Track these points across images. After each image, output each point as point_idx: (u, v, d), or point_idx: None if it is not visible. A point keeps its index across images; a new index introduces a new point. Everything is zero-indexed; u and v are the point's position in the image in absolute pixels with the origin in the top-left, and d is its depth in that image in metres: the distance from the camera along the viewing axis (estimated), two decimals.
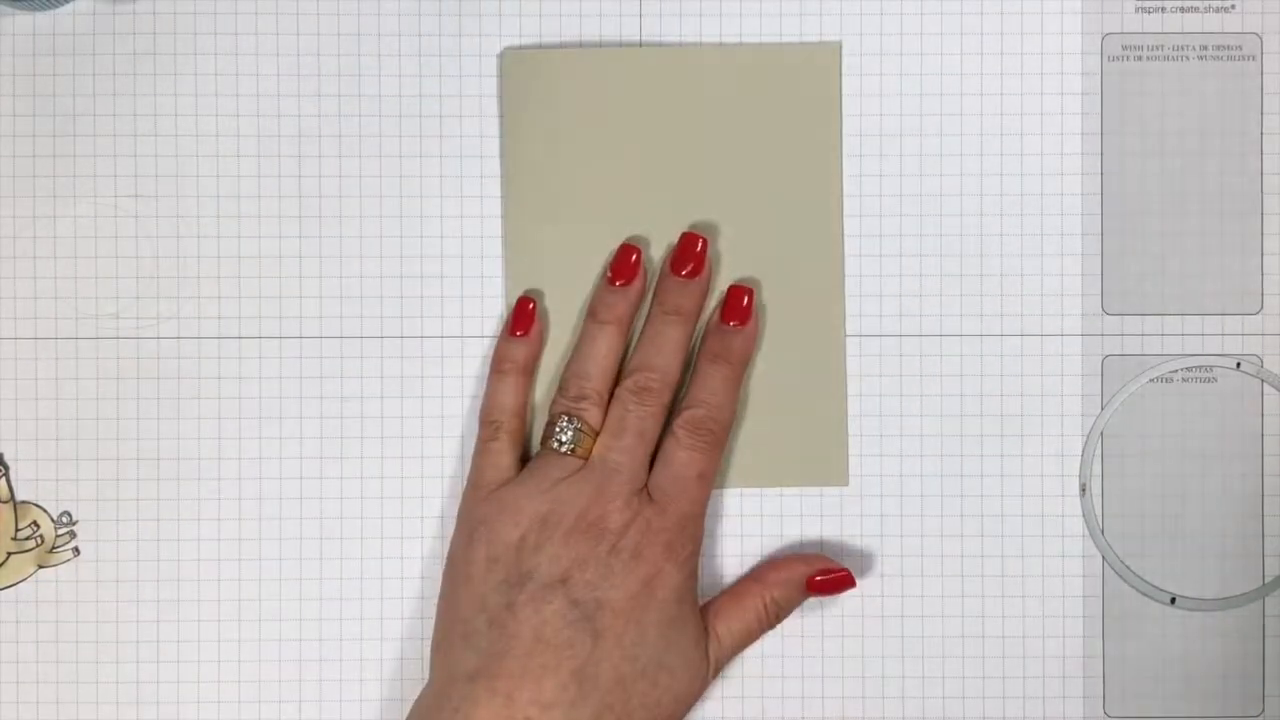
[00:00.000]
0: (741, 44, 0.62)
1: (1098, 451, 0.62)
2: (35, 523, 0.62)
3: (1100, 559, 0.62)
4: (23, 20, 0.63)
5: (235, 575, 0.63)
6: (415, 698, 0.59)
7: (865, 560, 0.62)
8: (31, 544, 0.62)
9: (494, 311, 0.63)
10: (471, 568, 0.58)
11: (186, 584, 0.63)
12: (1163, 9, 0.62)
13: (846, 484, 0.62)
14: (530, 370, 0.62)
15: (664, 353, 0.60)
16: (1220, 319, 0.62)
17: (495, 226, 0.63)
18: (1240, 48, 0.62)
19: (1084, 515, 0.62)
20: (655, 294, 0.62)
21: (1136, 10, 0.63)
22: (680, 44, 0.62)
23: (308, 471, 0.63)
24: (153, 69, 0.63)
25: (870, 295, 0.62)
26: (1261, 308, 0.62)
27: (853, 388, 0.62)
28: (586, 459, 0.59)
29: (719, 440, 0.60)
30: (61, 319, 0.63)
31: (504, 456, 0.60)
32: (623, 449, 0.59)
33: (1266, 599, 0.62)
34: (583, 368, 0.61)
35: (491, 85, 0.63)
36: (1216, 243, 0.62)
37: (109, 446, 0.63)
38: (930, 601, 0.62)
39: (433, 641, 0.59)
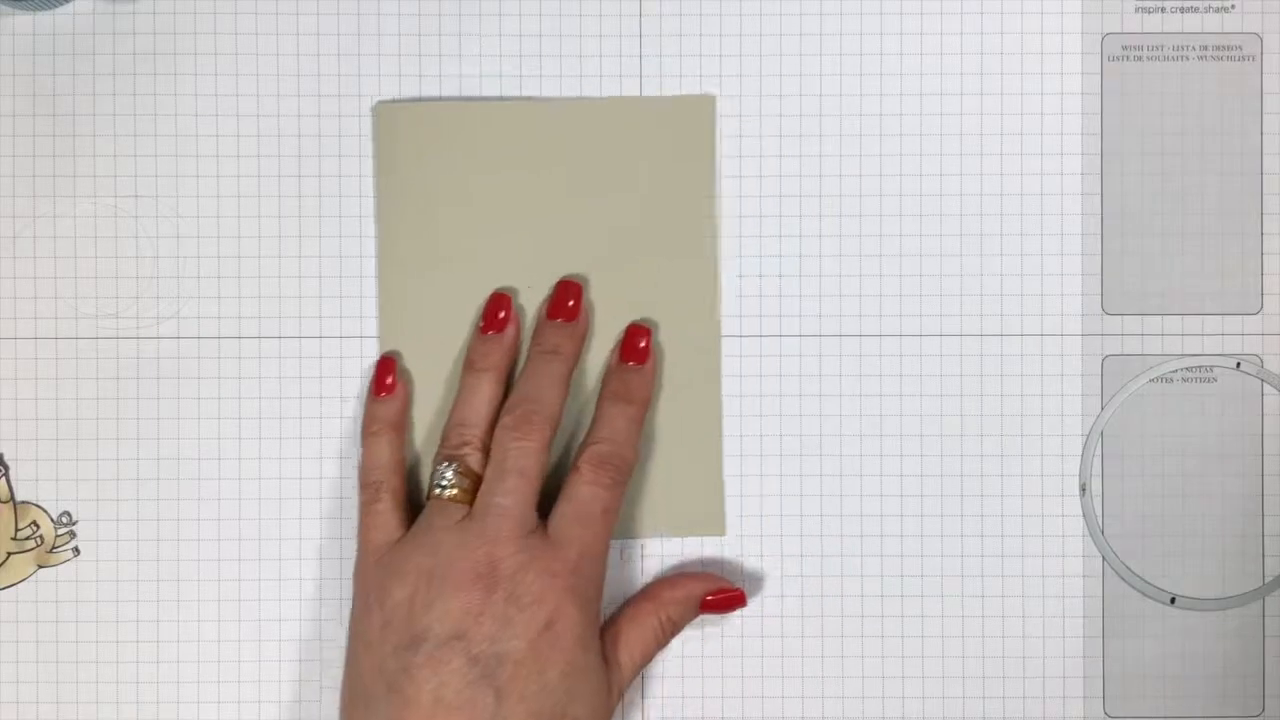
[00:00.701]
0: (613, 97, 0.62)
1: (1098, 451, 0.62)
2: (35, 523, 0.62)
3: (1100, 559, 0.62)
4: (23, 20, 0.63)
5: (235, 575, 0.63)
6: None
7: (866, 561, 0.62)
8: (31, 544, 0.62)
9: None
10: (369, 634, 0.57)
11: (186, 584, 0.63)
12: (1163, 9, 0.62)
13: (723, 534, 0.62)
14: (401, 426, 0.61)
15: (542, 386, 0.60)
16: (1220, 319, 0.62)
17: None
18: (1240, 48, 0.62)
19: (1084, 515, 0.62)
20: (533, 338, 0.62)
21: (1136, 10, 0.63)
22: (555, 98, 0.62)
23: (308, 472, 0.63)
24: (153, 69, 0.63)
25: (870, 295, 0.62)
26: (1261, 308, 0.62)
27: (850, 387, 0.62)
28: (471, 505, 0.58)
29: (622, 479, 0.59)
30: (61, 319, 0.63)
31: (387, 516, 0.60)
32: (506, 490, 0.58)
33: (1266, 599, 0.62)
34: (461, 416, 0.60)
35: None
36: (1216, 243, 0.62)
37: (109, 446, 0.63)
38: (930, 601, 0.62)
39: (340, 712, 0.58)
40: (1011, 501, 0.62)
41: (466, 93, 0.63)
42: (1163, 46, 0.62)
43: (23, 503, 0.63)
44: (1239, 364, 0.62)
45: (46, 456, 0.63)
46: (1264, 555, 0.62)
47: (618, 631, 0.60)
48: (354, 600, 0.59)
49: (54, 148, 0.63)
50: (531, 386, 0.60)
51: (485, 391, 0.60)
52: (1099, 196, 0.62)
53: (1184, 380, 0.62)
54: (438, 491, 0.59)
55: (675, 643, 0.62)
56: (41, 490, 0.63)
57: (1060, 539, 0.62)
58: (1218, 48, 0.62)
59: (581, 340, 0.62)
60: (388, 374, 0.62)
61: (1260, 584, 0.62)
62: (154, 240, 0.63)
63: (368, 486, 0.60)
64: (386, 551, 0.58)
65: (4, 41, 0.63)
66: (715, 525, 0.62)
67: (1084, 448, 0.62)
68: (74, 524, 0.62)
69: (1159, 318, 0.62)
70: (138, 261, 0.63)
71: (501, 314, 0.61)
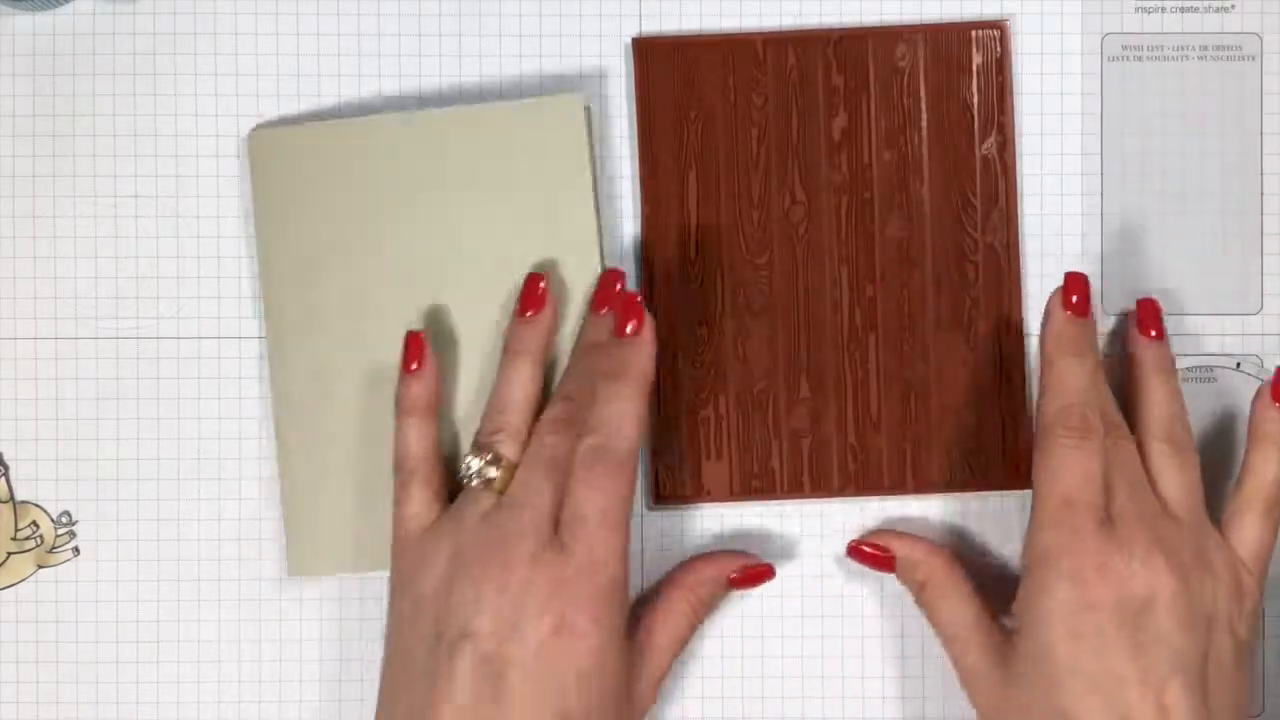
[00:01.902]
0: (486, 105, 0.61)
1: None
2: (35, 523, 0.62)
3: None
4: (23, 20, 0.63)
5: (235, 575, 0.63)
6: None
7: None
8: (31, 544, 0.62)
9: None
10: (400, 620, 0.57)
11: (186, 584, 0.63)
12: (1163, 9, 0.62)
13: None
14: (430, 408, 0.59)
15: (586, 383, 0.58)
16: (1220, 319, 0.62)
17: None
18: (1240, 48, 0.62)
19: None
20: (582, 330, 0.60)
21: (1136, 10, 0.63)
22: (426, 110, 0.61)
23: None
24: (153, 69, 0.63)
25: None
26: (1261, 308, 0.62)
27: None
28: (503, 492, 0.57)
29: (621, 470, 0.56)
30: (61, 319, 0.63)
31: (419, 504, 0.58)
32: (530, 484, 0.56)
33: (1266, 599, 0.62)
34: (497, 402, 0.58)
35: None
36: (1216, 243, 0.62)
37: (109, 446, 0.63)
38: None
39: (379, 690, 0.57)
40: (1013, 501, 0.62)
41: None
42: (1163, 46, 0.62)
43: (23, 503, 0.63)
44: (1239, 364, 0.62)
45: (46, 456, 0.63)
46: None
47: (649, 621, 0.59)
48: (390, 582, 0.58)
49: (54, 148, 0.63)
50: (573, 382, 0.58)
51: (522, 376, 0.58)
52: (1099, 197, 0.62)
53: (1184, 380, 0.62)
54: (465, 482, 0.57)
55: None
56: (41, 490, 0.63)
57: None
58: (1218, 48, 0.62)
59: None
60: (416, 350, 0.59)
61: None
62: (154, 240, 0.63)
63: (400, 472, 0.59)
64: (419, 537, 0.57)
65: (4, 41, 0.63)
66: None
67: None
68: (74, 524, 0.62)
69: None
70: (138, 261, 0.63)
71: (539, 294, 0.59)
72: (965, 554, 0.62)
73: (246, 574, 0.63)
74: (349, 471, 0.61)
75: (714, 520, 0.62)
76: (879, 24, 0.62)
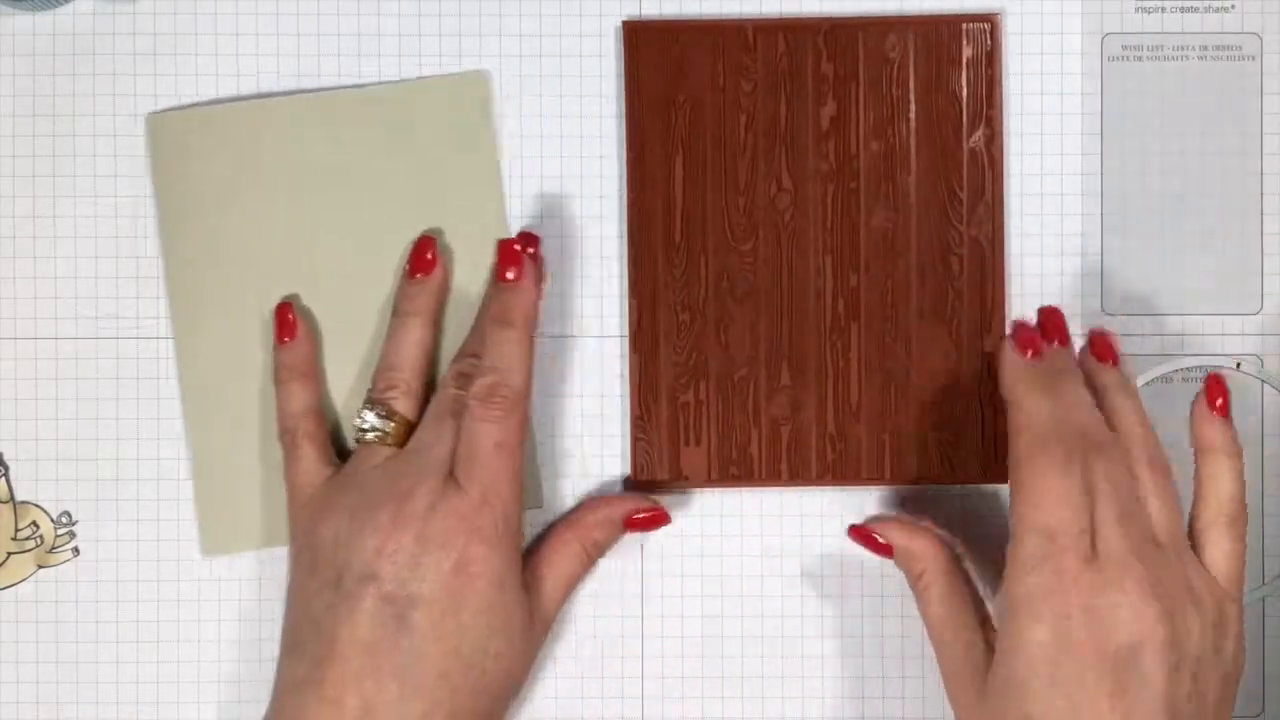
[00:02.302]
0: (386, 83, 0.62)
1: None
2: (35, 523, 0.62)
3: None
4: (23, 20, 0.63)
5: (234, 575, 0.63)
6: None
7: (866, 561, 0.62)
8: (31, 544, 0.62)
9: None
10: (300, 576, 0.58)
11: (186, 584, 0.63)
12: (1163, 9, 0.62)
13: (540, 506, 0.62)
14: (309, 371, 0.61)
15: (502, 353, 0.59)
16: (1220, 319, 0.62)
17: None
18: (1240, 48, 0.62)
19: None
20: (484, 300, 0.61)
21: (1136, 10, 0.62)
22: (331, 89, 0.62)
23: None
24: (153, 69, 0.63)
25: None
26: (1261, 308, 0.62)
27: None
28: (400, 448, 0.59)
29: (515, 406, 0.58)
30: (61, 319, 0.63)
31: (309, 462, 0.60)
32: (432, 430, 0.58)
33: (1266, 599, 0.62)
34: (388, 360, 0.60)
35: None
36: (1216, 243, 0.62)
37: (109, 446, 0.63)
38: None
39: (277, 660, 0.58)
40: (991, 493, 0.62)
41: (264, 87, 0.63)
42: (1163, 46, 0.62)
43: (22, 503, 0.63)
44: (1239, 364, 0.62)
45: (46, 456, 0.63)
46: (1264, 555, 0.62)
47: (541, 559, 0.60)
48: (290, 543, 0.59)
49: (54, 148, 0.63)
50: (478, 342, 0.60)
51: (412, 335, 0.60)
52: (1099, 196, 0.62)
53: (1184, 380, 0.62)
54: (359, 435, 0.59)
55: (673, 642, 0.62)
56: (41, 490, 0.63)
57: None
58: (1218, 48, 0.62)
59: (537, 295, 0.60)
60: (285, 323, 0.61)
61: (1260, 584, 0.62)
62: (154, 240, 0.63)
63: (284, 435, 0.60)
64: (313, 494, 0.59)
65: (4, 41, 0.63)
66: (533, 499, 0.62)
67: None
68: (74, 524, 0.62)
69: (1159, 318, 0.62)
70: (137, 261, 0.63)
71: (429, 255, 0.61)
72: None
73: (245, 573, 0.63)
74: (257, 451, 0.62)
75: (693, 504, 0.62)
76: (870, 14, 0.62)
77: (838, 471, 0.62)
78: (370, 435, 0.59)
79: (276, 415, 0.61)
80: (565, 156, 0.62)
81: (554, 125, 0.63)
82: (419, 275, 0.61)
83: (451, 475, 0.57)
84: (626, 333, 0.62)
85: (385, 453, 0.58)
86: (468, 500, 0.56)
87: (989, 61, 0.62)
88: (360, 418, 0.59)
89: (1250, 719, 0.62)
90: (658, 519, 0.61)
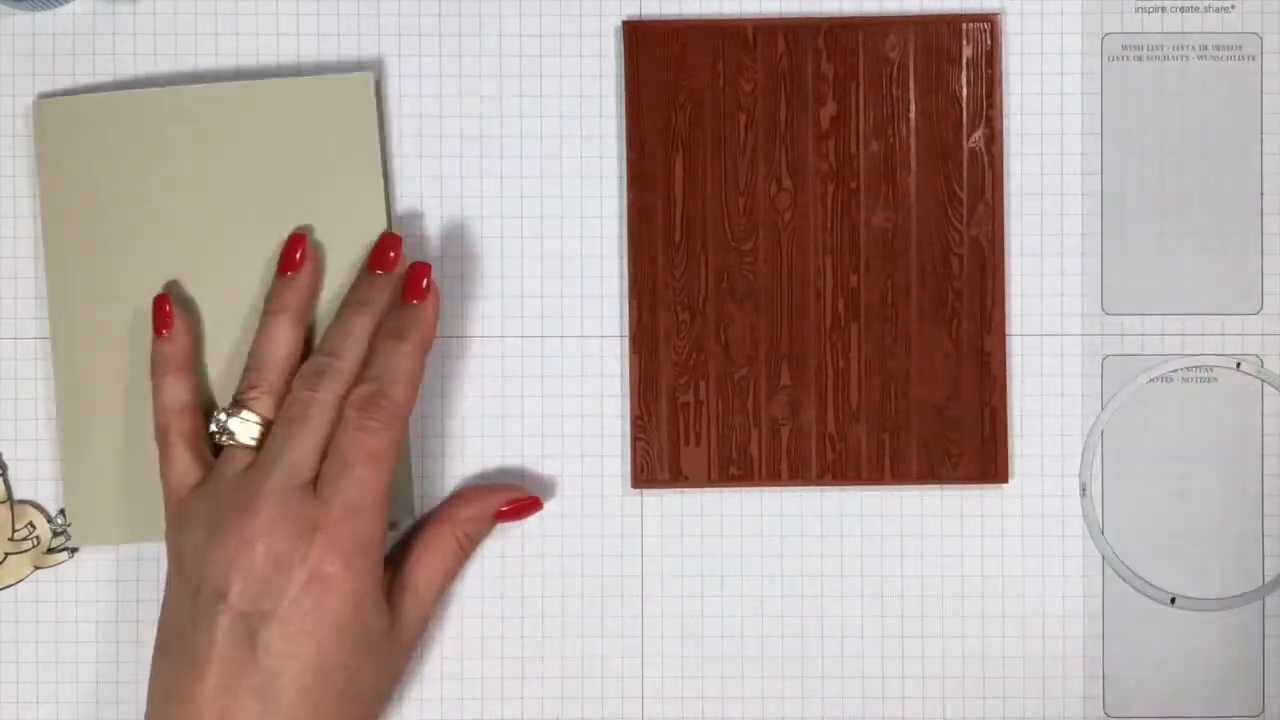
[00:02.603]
0: (275, 80, 0.61)
1: (1098, 451, 0.62)
2: (32, 523, 0.62)
3: (1100, 559, 0.62)
4: (23, 20, 0.63)
5: None
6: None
7: (866, 561, 0.62)
8: (29, 545, 0.62)
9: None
10: (170, 579, 0.57)
11: None
12: (1163, 9, 0.62)
13: (414, 519, 0.61)
14: (185, 366, 0.60)
15: (349, 339, 0.58)
16: (1220, 319, 0.62)
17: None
18: (1240, 48, 0.62)
19: (1084, 515, 0.62)
20: (351, 288, 0.60)
21: (1136, 10, 0.63)
22: (219, 83, 0.62)
23: None
24: (153, 69, 0.63)
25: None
26: (1261, 308, 0.62)
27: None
28: (259, 449, 0.58)
29: (394, 419, 0.57)
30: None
31: (181, 461, 0.58)
32: (284, 438, 0.57)
33: (1266, 599, 0.62)
34: (253, 360, 0.59)
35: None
36: (1216, 243, 0.62)
37: None
38: (930, 601, 0.62)
39: (151, 660, 0.58)
40: (1011, 501, 0.62)
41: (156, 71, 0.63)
42: (1163, 46, 0.62)
43: (20, 503, 0.62)
44: (1239, 364, 0.62)
45: (46, 456, 0.63)
46: (1264, 555, 0.62)
47: (414, 557, 0.59)
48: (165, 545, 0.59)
49: None
50: (337, 337, 0.58)
51: (278, 334, 0.59)
52: (1099, 196, 0.62)
53: (1184, 380, 0.62)
54: (220, 438, 0.58)
55: (672, 642, 0.62)
56: (41, 490, 0.63)
57: (1060, 539, 0.62)
58: (1218, 48, 0.62)
59: (398, 287, 0.59)
60: (163, 315, 0.60)
61: (1260, 584, 0.62)
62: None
63: (158, 432, 0.59)
64: (182, 499, 0.58)
65: (4, 41, 0.63)
66: (405, 512, 0.61)
67: (1084, 448, 0.62)
68: (70, 525, 0.62)
69: (1159, 318, 0.62)
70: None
71: (298, 254, 0.60)
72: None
73: None
74: (124, 444, 0.61)
75: (693, 504, 0.62)
76: (870, 14, 0.62)
77: (838, 471, 0.62)
78: (225, 439, 0.58)
79: (153, 410, 0.59)
80: (565, 156, 0.62)
81: (554, 125, 0.63)
82: (289, 273, 0.60)
83: (311, 484, 0.56)
84: (626, 333, 0.62)
85: (244, 459, 0.57)
86: (327, 513, 0.56)
87: (989, 61, 0.62)
88: (218, 421, 0.58)
89: (1250, 718, 0.62)
90: (529, 506, 0.61)
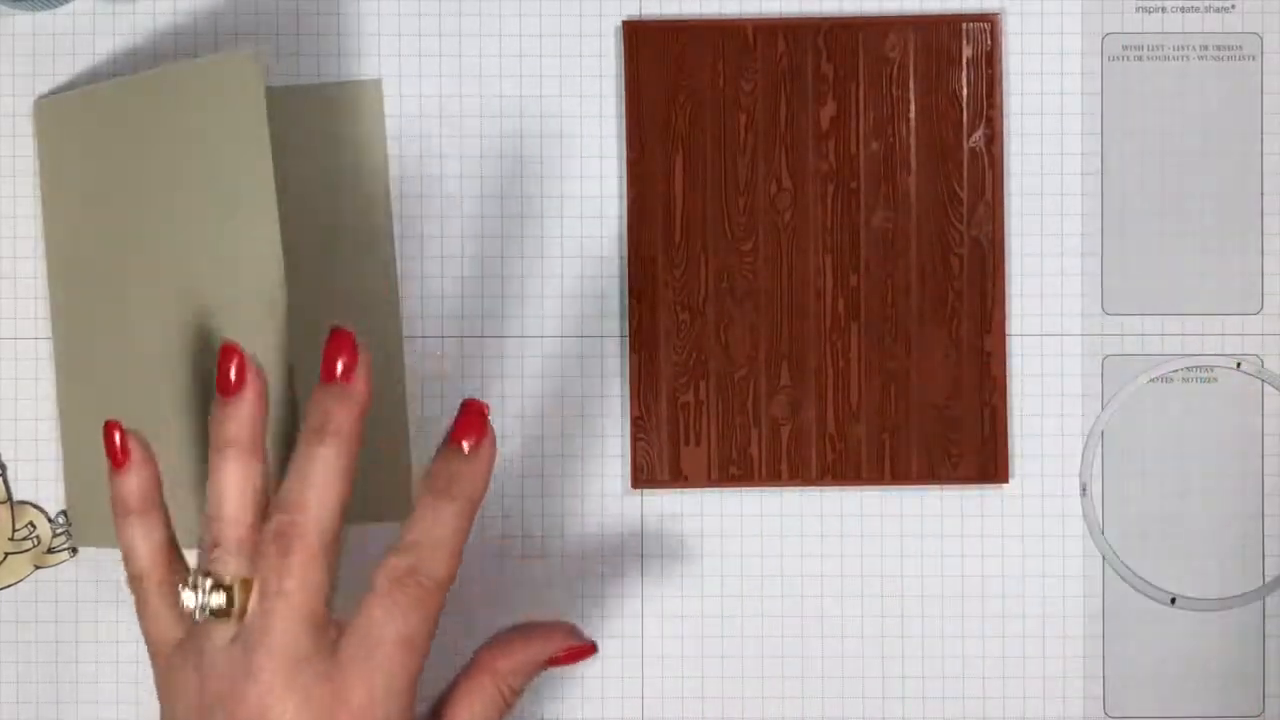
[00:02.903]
0: (163, 68, 0.60)
1: (1098, 451, 0.62)
2: (32, 523, 0.62)
3: (1100, 559, 0.62)
4: (23, 20, 0.63)
5: None
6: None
7: (866, 561, 0.62)
8: (29, 544, 0.62)
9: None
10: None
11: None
12: (1163, 9, 0.62)
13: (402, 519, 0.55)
14: (148, 505, 0.52)
15: (309, 484, 0.49)
16: (1220, 319, 0.62)
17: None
18: (1240, 48, 0.62)
19: (1084, 515, 0.62)
20: (306, 410, 0.50)
21: (1136, 10, 0.63)
22: (135, 75, 0.61)
23: None
24: (153, 69, 0.63)
25: None
26: (1261, 308, 0.62)
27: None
28: (244, 616, 0.49)
29: (429, 596, 0.48)
30: None
31: (159, 613, 0.51)
32: (268, 613, 0.48)
33: (1266, 599, 0.62)
34: (210, 510, 0.50)
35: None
36: (1216, 243, 0.62)
37: None
38: (930, 601, 0.62)
39: None
40: (1011, 501, 0.62)
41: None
42: (1163, 46, 0.62)
43: (20, 503, 0.62)
44: (1239, 364, 0.62)
45: (46, 456, 0.63)
46: (1264, 555, 0.62)
47: (456, 713, 0.52)
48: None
49: None
50: (295, 486, 0.49)
51: (232, 474, 0.50)
52: (1099, 196, 0.62)
53: (1184, 380, 0.62)
54: (192, 613, 0.49)
55: (672, 642, 0.62)
56: (41, 490, 0.63)
57: (1060, 539, 0.62)
58: (1218, 48, 0.62)
59: (363, 413, 0.50)
60: (114, 445, 0.52)
61: (1260, 584, 0.62)
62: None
63: (130, 580, 0.52)
64: (168, 656, 0.51)
65: (4, 41, 0.63)
66: (401, 511, 0.59)
67: (1084, 448, 0.62)
68: (71, 525, 0.62)
69: (1159, 318, 0.62)
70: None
71: (232, 374, 0.50)
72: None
73: None
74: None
75: (693, 504, 0.62)
76: (870, 14, 0.62)
77: (838, 471, 0.62)
78: (200, 616, 0.49)
79: (121, 554, 0.53)
80: (565, 156, 0.62)
81: (554, 125, 0.63)
82: (229, 397, 0.50)
83: (318, 659, 0.48)
84: (626, 333, 0.62)
85: (224, 633, 0.49)
86: (345, 703, 0.48)
87: (989, 61, 0.62)
88: (185, 599, 0.49)
89: (1250, 718, 0.62)
90: (584, 652, 0.53)
